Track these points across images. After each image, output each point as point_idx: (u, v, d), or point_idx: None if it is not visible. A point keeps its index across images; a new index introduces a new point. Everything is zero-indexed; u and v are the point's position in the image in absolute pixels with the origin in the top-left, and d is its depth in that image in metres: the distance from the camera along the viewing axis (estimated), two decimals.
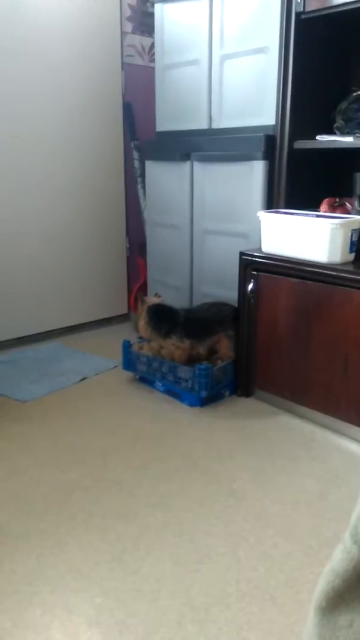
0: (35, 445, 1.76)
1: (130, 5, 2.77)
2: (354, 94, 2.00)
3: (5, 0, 2.33)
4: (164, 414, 2.00)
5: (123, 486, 1.55)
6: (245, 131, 2.11)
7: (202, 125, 2.29)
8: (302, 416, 1.95)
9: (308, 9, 1.83)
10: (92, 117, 2.73)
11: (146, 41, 2.85)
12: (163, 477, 1.59)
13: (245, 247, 2.07)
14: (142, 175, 2.80)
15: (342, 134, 1.96)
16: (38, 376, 2.29)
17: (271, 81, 1.98)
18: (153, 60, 2.58)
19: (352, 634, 0.53)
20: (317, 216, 1.83)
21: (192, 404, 2.05)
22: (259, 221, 1.94)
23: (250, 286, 1.98)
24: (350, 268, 1.72)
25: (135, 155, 2.87)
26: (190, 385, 2.02)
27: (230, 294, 2.17)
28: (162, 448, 1.75)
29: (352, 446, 1.77)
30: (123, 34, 2.77)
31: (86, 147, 2.74)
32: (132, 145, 2.87)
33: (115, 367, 2.38)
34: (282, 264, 1.87)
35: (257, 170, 2.06)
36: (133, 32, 2.81)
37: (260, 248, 1.97)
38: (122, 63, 2.79)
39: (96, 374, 2.33)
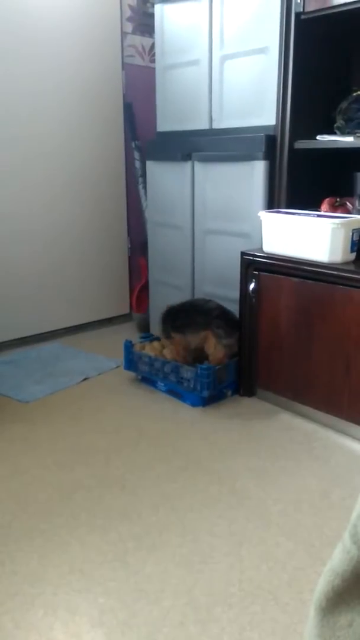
0: (38, 446, 1.77)
1: (130, 6, 2.77)
2: (354, 93, 2.00)
3: (6, 1, 2.34)
4: (166, 414, 2.00)
5: (126, 486, 1.55)
6: (246, 131, 2.11)
7: (203, 125, 2.29)
8: (304, 415, 1.95)
9: (308, 9, 1.83)
10: (93, 118, 2.73)
11: (146, 41, 2.85)
12: (166, 477, 1.59)
13: (246, 247, 2.07)
14: (143, 175, 2.80)
15: (343, 133, 1.96)
16: (40, 376, 2.30)
17: (271, 81, 1.98)
18: (153, 61, 2.58)
19: (353, 634, 0.53)
20: (318, 216, 1.83)
21: (194, 404, 2.05)
22: (260, 221, 1.94)
23: (251, 286, 1.98)
24: (352, 267, 1.72)
25: (136, 155, 2.87)
26: (192, 385, 2.02)
27: (231, 294, 2.17)
28: (164, 448, 1.76)
29: (355, 445, 1.77)
30: (123, 34, 2.77)
31: (87, 147, 2.75)
32: (133, 145, 2.87)
33: (117, 367, 2.38)
34: (283, 263, 1.87)
35: (258, 170, 2.06)
36: (133, 33, 2.81)
37: (261, 248, 1.97)
38: (123, 63, 2.80)
39: (98, 374, 2.33)
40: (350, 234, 1.74)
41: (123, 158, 2.90)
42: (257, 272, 1.96)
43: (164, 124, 2.48)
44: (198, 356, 2.10)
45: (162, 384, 2.16)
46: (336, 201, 1.98)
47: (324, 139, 1.92)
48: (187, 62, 2.29)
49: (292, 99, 1.93)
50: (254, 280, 1.97)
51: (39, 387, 2.20)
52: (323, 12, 1.81)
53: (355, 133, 1.89)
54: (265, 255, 1.94)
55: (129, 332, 2.81)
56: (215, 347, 2.05)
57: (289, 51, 1.89)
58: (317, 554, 1.29)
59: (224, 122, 2.21)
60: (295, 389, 1.94)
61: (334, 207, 1.97)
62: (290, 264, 1.85)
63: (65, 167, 2.69)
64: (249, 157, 2.07)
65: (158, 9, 2.38)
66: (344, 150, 1.93)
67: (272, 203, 2.07)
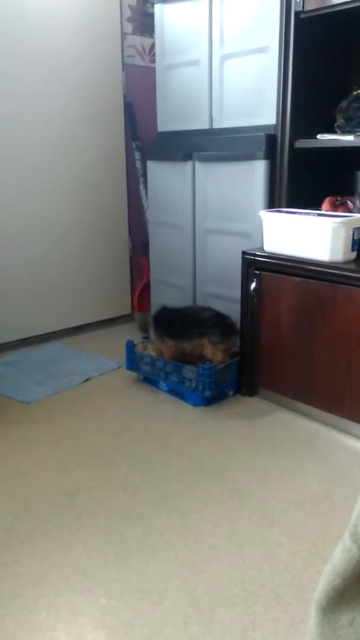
0: (40, 447, 1.77)
1: (130, 6, 2.77)
2: (355, 92, 2.00)
3: (6, 1, 2.34)
4: (168, 414, 2.00)
5: (128, 487, 1.55)
6: (246, 131, 2.10)
7: (204, 125, 2.29)
8: (306, 415, 1.95)
9: (307, 8, 1.83)
10: (94, 118, 2.73)
11: (146, 42, 2.85)
12: (168, 478, 1.59)
13: (247, 246, 2.07)
14: (144, 175, 2.80)
15: (343, 132, 1.95)
16: (42, 377, 2.30)
17: (271, 81, 1.97)
18: (154, 61, 2.58)
19: (353, 633, 0.53)
20: (319, 215, 1.83)
21: (196, 404, 2.05)
22: (261, 220, 1.94)
23: (252, 285, 1.98)
24: (352, 266, 1.72)
25: (137, 155, 2.87)
26: (194, 385, 2.02)
27: (233, 293, 2.17)
28: (166, 448, 1.76)
29: (357, 444, 1.77)
30: (123, 34, 2.77)
31: (88, 147, 2.75)
32: (134, 145, 2.87)
33: (119, 367, 2.39)
34: (284, 263, 1.87)
35: (258, 169, 2.06)
36: (133, 33, 2.81)
37: (262, 247, 1.97)
38: (123, 64, 2.80)
39: (100, 375, 2.33)
40: (351, 233, 1.74)
41: (124, 158, 2.90)
42: (258, 272, 1.96)
43: (164, 124, 2.48)
44: (193, 359, 2.10)
45: (164, 384, 2.16)
46: (337, 200, 1.98)
47: (325, 138, 1.92)
48: (187, 62, 2.29)
49: (292, 98, 1.93)
50: (255, 279, 1.97)
51: (41, 388, 2.20)
52: (322, 11, 1.80)
53: (356, 132, 1.89)
54: (266, 254, 1.94)
55: (130, 333, 2.81)
56: (213, 352, 2.05)
57: (289, 50, 1.89)
58: (320, 554, 1.28)
59: (224, 121, 2.21)
60: (297, 388, 1.94)
61: (334, 206, 1.97)
62: (291, 264, 1.85)
63: (66, 168, 2.69)
64: (249, 157, 2.07)
65: (158, 9, 2.38)
66: (344, 149, 1.92)
67: (273, 202, 2.07)
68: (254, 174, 2.08)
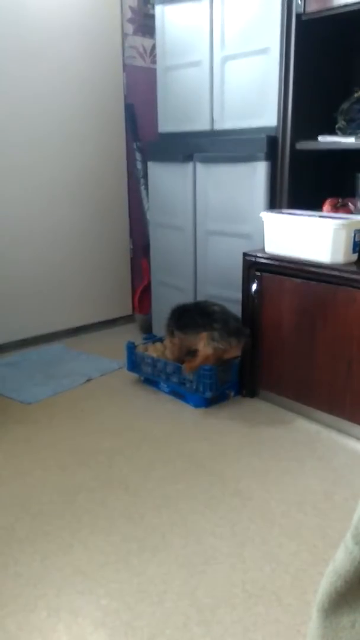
0: (40, 447, 1.77)
1: (131, 7, 2.78)
2: (356, 94, 2.00)
3: (7, 2, 2.35)
4: (169, 415, 2.00)
5: (129, 488, 1.55)
6: (247, 132, 2.11)
7: (205, 126, 2.29)
8: (307, 416, 1.95)
9: (308, 10, 1.83)
10: (94, 119, 2.74)
11: (147, 43, 2.85)
12: (169, 478, 1.59)
13: (248, 247, 2.07)
14: (145, 176, 2.80)
15: (344, 134, 1.95)
16: (42, 378, 2.30)
17: (272, 82, 1.97)
18: (154, 62, 2.58)
19: (355, 635, 0.53)
20: (320, 217, 1.83)
21: (196, 405, 2.05)
22: (262, 222, 1.94)
23: (253, 287, 1.98)
24: (353, 268, 1.72)
25: (138, 156, 2.87)
26: (194, 386, 2.02)
27: (234, 295, 2.17)
28: (167, 449, 1.76)
29: (358, 446, 1.77)
30: (124, 35, 2.78)
31: (88, 148, 2.75)
32: (135, 146, 2.87)
33: (119, 368, 2.39)
34: (285, 264, 1.87)
35: (259, 171, 2.06)
36: (134, 34, 2.82)
37: (263, 249, 1.97)
38: (124, 65, 2.80)
39: (101, 376, 2.34)
40: (352, 234, 1.74)
41: (124, 159, 2.90)
42: (259, 273, 1.96)
43: (165, 125, 2.48)
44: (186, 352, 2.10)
45: (165, 385, 2.16)
46: (338, 202, 1.98)
47: (326, 139, 1.92)
48: (188, 63, 2.29)
49: (293, 99, 1.93)
50: (256, 281, 1.97)
51: (42, 388, 2.20)
52: (324, 13, 1.81)
53: (357, 134, 1.89)
54: (267, 256, 1.94)
55: (131, 334, 2.81)
56: (205, 346, 2.02)
57: (290, 52, 1.89)
58: (320, 555, 1.28)
59: (225, 123, 2.21)
60: (298, 390, 1.94)
61: (335, 208, 1.97)
62: (292, 265, 1.85)
63: (67, 169, 2.69)
64: (250, 158, 2.07)
65: (159, 10, 2.38)
66: (345, 151, 1.93)
67: (274, 204, 2.07)
68: (255, 176, 2.08)
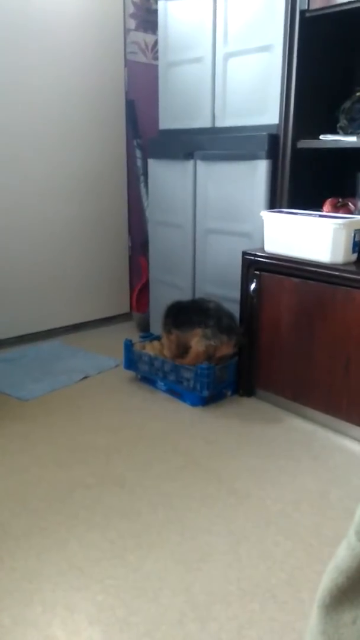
0: (37, 444, 1.76)
1: (133, 2, 2.77)
2: (358, 93, 2.00)
3: None
4: (165, 413, 2.00)
5: (125, 485, 1.55)
6: (249, 130, 2.10)
7: (206, 123, 2.28)
8: (303, 416, 1.95)
9: (312, 7, 1.83)
10: (94, 115, 2.73)
11: (149, 38, 2.85)
12: (165, 476, 1.59)
13: (248, 246, 2.07)
14: (145, 173, 2.80)
15: (346, 133, 1.95)
16: (40, 375, 2.30)
17: (275, 80, 1.97)
18: (156, 58, 2.58)
19: (356, 631, 0.53)
20: (320, 216, 1.83)
21: (193, 404, 2.05)
22: (262, 221, 1.94)
23: (252, 286, 1.98)
24: (353, 268, 1.72)
25: (138, 153, 2.87)
26: (192, 385, 2.02)
27: (232, 294, 2.17)
28: (164, 447, 1.75)
29: (354, 446, 1.77)
30: (126, 30, 2.77)
31: (88, 144, 2.74)
32: (135, 143, 2.86)
33: (117, 366, 2.38)
34: (284, 263, 1.87)
35: (260, 169, 2.06)
36: (136, 29, 2.81)
37: (263, 248, 1.97)
38: (125, 60, 2.79)
39: (98, 373, 2.33)
40: (352, 234, 1.74)
41: (124, 156, 2.90)
42: (258, 272, 1.96)
43: (166, 122, 2.48)
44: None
45: (162, 384, 2.16)
46: (338, 202, 1.98)
47: (327, 138, 1.92)
48: (191, 60, 2.29)
49: (295, 97, 1.93)
50: (255, 280, 1.97)
51: (38, 385, 2.20)
52: (327, 10, 1.80)
53: (358, 133, 1.89)
54: (266, 255, 1.94)
55: (128, 332, 2.81)
56: (197, 343, 2.01)
57: (293, 49, 1.89)
58: (316, 554, 1.29)
59: (226, 120, 2.21)
60: (295, 390, 1.94)
61: (336, 208, 1.97)
62: (291, 264, 1.85)
63: (66, 165, 2.69)
64: (251, 156, 2.07)
65: (162, 5, 2.37)
66: (346, 150, 1.93)
67: (274, 203, 2.07)
68: (256, 174, 2.08)
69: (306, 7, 1.84)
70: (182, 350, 2.11)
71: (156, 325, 2.64)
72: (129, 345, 2.23)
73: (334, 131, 1.99)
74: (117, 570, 1.23)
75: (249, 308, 2.01)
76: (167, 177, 2.46)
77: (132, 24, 2.79)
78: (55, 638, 1.05)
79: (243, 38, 2.07)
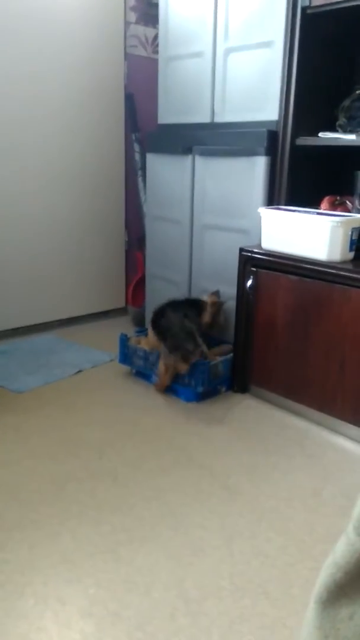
0: (30, 437, 1.76)
1: None
2: (358, 91, 2.00)
3: None
4: (160, 408, 2.00)
5: (118, 479, 1.55)
6: (248, 126, 2.10)
7: (205, 118, 2.27)
8: (297, 413, 1.95)
9: (314, 4, 1.82)
10: (93, 108, 2.71)
11: (150, 32, 2.83)
12: (158, 471, 1.59)
13: (245, 243, 2.07)
14: (143, 168, 2.78)
15: (345, 131, 1.95)
16: (34, 367, 2.29)
17: (275, 76, 1.97)
18: (156, 52, 2.56)
19: (353, 627, 0.53)
20: (318, 214, 1.83)
21: (188, 399, 2.05)
22: (260, 217, 1.94)
23: (249, 282, 1.97)
24: (350, 266, 1.72)
25: (136, 147, 2.85)
26: (186, 381, 2.02)
27: (229, 290, 2.17)
28: (157, 442, 1.75)
29: (347, 444, 1.78)
30: (126, 24, 2.75)
31: (86, 138, 2.73)
32: (133, 137, 2.85)
33: (111, 360, 2.38)
34: (281, 261, 1.87)
35: (259, 165, 2.05)
36: (137, 23, 2.79)
37: (260, 244, 1.97)
38: (125, 53, 2.77)
39: (92, 367, 2.32)
40: (350, 232, 1.74)
41: (123, 150, 2.88)
42: (255, 269, 1.96)
43: (165, 116, 2.46)
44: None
45: (157, 379, 2.15)
46: (336, 200, 1.98)
47: (326, 136, 1.92)
48: (191, 54, 2.28)
49: (295, 94, 1.92)
50: (251, 276, 1.97)
51: (32, 378, 2.19)
52: (329, 7, 1.80)
53: (358, 131, 1.89)
54: (263, 252, 1.93)
55: (124, 326, 2.80)
56: (160, 360, 2.05)
57: (294, 46, 1.88)
58: (308, 550, 1.29)
59: (226, 115, 2.20)
60: (289, 387, 1.95)
61: (333, 206, 1.97)
62: (288, 262, 1.85)
63: (63, 158, 2.67)
64: (250, 152, 2.06)
65: None
66: (345, 148, 1.92)
67: (272, 200, 2.06)
68: (254, 170, 2.07)
69: (307, 4, 1.83)
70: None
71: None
72: (124, 340, 2.23)
73: (333, 129, 1.99)
74: (109, 563, 1.23)
75: (245, 305, 2.01)
76: (165, 171, 2.45)
77: (132, 17, 2.77)
78: (47, 631, 1.05)
79: (244, 33, 2.06)
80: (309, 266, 1.79)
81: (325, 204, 1.98)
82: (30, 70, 2.46)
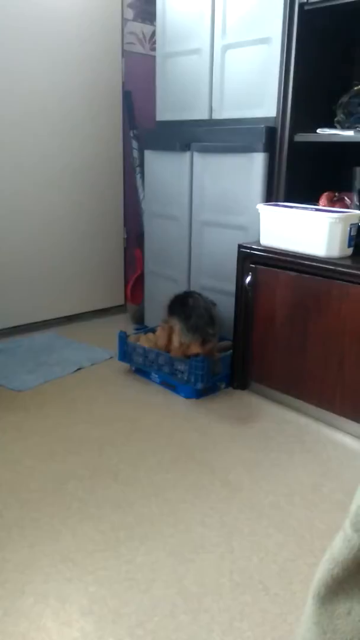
0: (30, 435, 1.76)
1: None
2: (355, 88, 1.99)
3: None
4: (159, 405, 2.00)
5: (118, 476, 1.55)
6: (246, 122, 2.09)
7: (203, 115, 2.27)
8: (296, 409, 1.96)
9: (311, 0, 1.81)
10: (91, 105, 2.70)
11: (147, 29, 2.82)
12: (158, 468, 1.59)
13: (243, 239, 2.07)
14: (141, 165, 2.78)
15: (343, 128, 1.95)
16: (33, 366, 2.29)
17: (273, 72, 1.96)
18: (154, 49, 2.55)
19: (351, 622, 0.53)
20: (316, 210, 1.82)
21: (187, 396, 2.05)
22: (258, 214, 1.93)
23: (247, 279, 1.97)
24: (348, 262, 1.72)
25: (134, 144, 2.85)
26: (186, 377, 2.02)
27: (227, 287, 2.17)
28: (157, 439, 1.75)
29: (346, 439, 1.78)
30: (124, 20, 2.74)
31: (84, 135, 2.72)
32: (131, 134, 2.84)
33: (111, 357, 2.38)
34: (280, 257, 1.87)
35: (257, 162, 2.05)
36: (134, 19, 2.78)
37: (258, 241, 1.97)
38: (123, 51, 2.76)
39: (92, 365, 2.32)
40: (348, 228, 1.74)
41: (121, 147, 2.88)
42: (253, 265, 1.96)
43: (163, 113, 2.46)
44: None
45: (156, 376, 2.15)
46: (334, 196, 1.97)
47: (324, 132, 1.91)
48: (189, 51, 2.27)
49: (293, 91, 1.92)
50: (250, 273, 1.97)
51: (32, 376, 2.19)
52: (326, 3, 1.79)
53: (356, 127, 1.89)
54: (262, 248, 1.93)
55: (123, 323, 2.80)
56: (174, 338, 2.05)
57: (292, 42, 1.87)
58: (308, 546, 1.29)
59: (224, 112, 2.19)
60: (289, 383, 1.95)
61: (332, 202, 1.96)
62: (287, 258, 1.85)
63: (62, 155, 2.66)
64: (248, 149, 2.06)
65: None
66: (343, 144, 1.92)
67: (271, 196, 2.06)
68: (253, 167, 2.07)
69: (305, 0, 1.82)
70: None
71: (150, 317, 2.63)
72: (123, 337, 2.23)
73: (331, 125, 1.98)
74: (109, 561, 1.23)
75: (244, 301, 2.01)
76: (163, 168, 2.44)
77: (130, 13, 2.76)
78: (47, 629, 1.05)
79: (241, 30, 2.05)
80: (307, 262, 1.79)
81: (323, 200, 1.98)
82: (27, 68, 2.45)
